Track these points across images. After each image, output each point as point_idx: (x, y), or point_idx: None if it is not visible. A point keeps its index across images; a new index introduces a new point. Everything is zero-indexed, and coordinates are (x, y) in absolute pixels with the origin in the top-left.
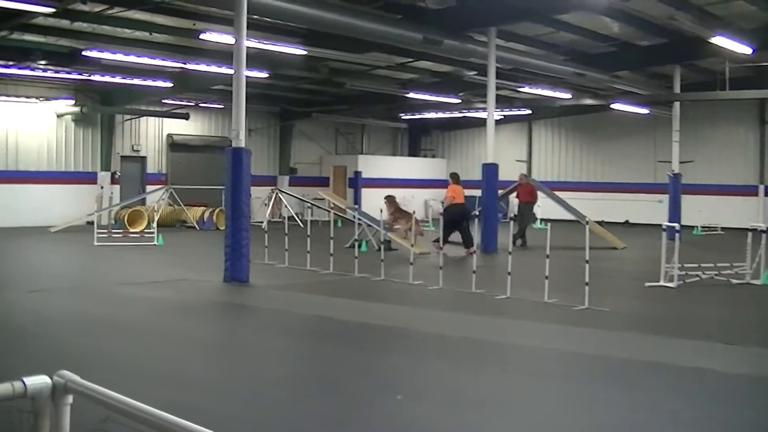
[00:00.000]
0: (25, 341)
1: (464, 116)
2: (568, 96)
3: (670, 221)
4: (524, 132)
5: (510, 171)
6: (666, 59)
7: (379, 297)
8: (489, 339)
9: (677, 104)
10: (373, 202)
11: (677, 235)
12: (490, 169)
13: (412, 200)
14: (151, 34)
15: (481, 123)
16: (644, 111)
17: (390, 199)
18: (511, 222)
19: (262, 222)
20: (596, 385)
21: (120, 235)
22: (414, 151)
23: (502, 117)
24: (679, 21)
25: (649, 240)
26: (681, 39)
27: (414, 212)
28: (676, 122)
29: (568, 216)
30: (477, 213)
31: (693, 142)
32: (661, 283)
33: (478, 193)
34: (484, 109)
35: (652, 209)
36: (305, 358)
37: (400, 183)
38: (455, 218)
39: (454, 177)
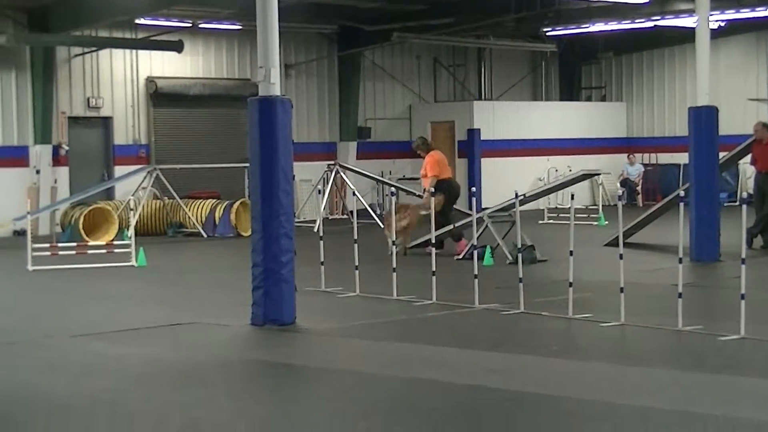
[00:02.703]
0: None
1: (656, 27)
2: None
3: None
4: (763, 49)
5: (739, 118)
6: None
7: (521, 344)
8: (737, 418)
9: None
10: (503, 181)
11: None
12: (704, 117)
13: (568, 174)
14: None
15: (685, 37)
16: None
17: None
18: (744, 206)
19: (313, 222)
20: None
21: (73, 253)
22: (569, 92)
23: (724, 24)
24: None
25: None
26: None
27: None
28: None
29: None
30: (682, 193)
31: None
32: None
33: (682, 158)
34: (691, 12)
35: None
36: None
37: (546, 146)
38: (451, 198)
39: (425, 143)
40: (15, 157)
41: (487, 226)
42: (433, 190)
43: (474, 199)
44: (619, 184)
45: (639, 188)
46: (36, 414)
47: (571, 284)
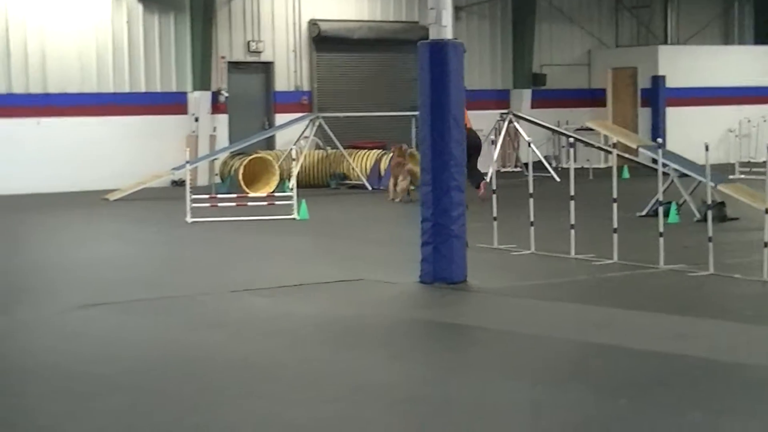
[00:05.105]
0: (78, 402)
1: None
2: None
3: None
4: None
5: None
6: None
7: (710, 308)
8: None
9: None
10: (690, 132)
11: None
12: None
13: (763, 125)
14: None
15: None
16: None
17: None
18: None
19: (485, 174)
20: None
21: (232, 204)
22: (765, 35)
23: None
24: None
25: None
26: None
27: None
28: None
29: None
30: None
31: None
32: None
33: None
34: None
35: None
36: (586, 428)
37: (739, 95)
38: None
39: None
40: (173, 103)
41: (672, 180)
42: None
43: (660, 154)
44: None
45: None
46: (188, 375)
47: (766, 244)
